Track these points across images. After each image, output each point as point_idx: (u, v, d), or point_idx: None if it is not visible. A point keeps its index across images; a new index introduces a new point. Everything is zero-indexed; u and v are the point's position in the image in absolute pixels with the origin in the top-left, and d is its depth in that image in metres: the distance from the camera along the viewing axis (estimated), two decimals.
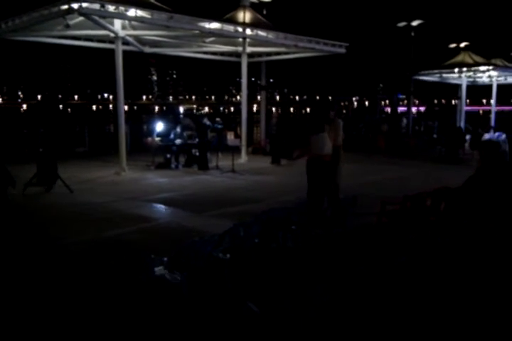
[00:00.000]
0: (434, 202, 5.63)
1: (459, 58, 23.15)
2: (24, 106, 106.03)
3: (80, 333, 3.94)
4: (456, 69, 22.43)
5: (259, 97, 22.37)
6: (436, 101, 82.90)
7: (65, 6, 10.69)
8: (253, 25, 15.08)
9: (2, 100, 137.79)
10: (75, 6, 10.47)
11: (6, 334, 3.92)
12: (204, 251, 4.40)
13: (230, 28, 14.01)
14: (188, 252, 4.34)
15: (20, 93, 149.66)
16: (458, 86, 25.39)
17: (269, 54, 18.48)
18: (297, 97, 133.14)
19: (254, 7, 16.64)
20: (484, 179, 5.07)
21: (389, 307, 3.46)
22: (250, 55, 17.13)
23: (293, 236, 5.22)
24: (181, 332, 3.85)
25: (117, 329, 3.97)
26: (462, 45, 23.90)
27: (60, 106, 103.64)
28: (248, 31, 14.45)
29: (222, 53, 18.28)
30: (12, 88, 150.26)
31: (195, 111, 79.74)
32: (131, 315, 4.20)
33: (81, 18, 11.70)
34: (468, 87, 25.09)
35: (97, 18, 11.38)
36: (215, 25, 13.45)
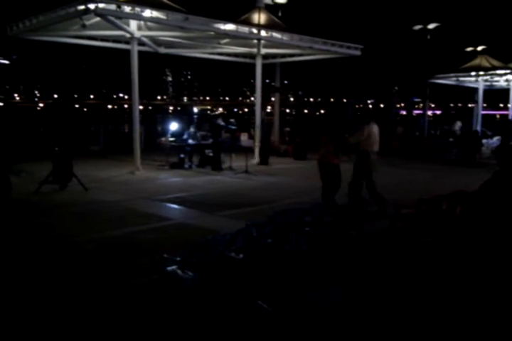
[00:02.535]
0: (449, 206, 5.55)
1: (476, 62, 22.90)
2: (40, 105, 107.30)
3: (91, 329, 3.96)
4: (473, 73, 22.19)
5: (273, 99, 22.34)
6: (452, 104, 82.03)
7: (82, 7, 10.79)
8: (268, 26, 15.08)
9: (19, 99, 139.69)
10: (92, 6, 10.57)
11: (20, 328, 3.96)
12: (216, 251, 4.39)
13: (245, 29, 14.02)
14: (201, 251, 4.34)
15: (36, 92, 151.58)
16: (475, 90, 25.12)
17: (283, 56, 18.46)
18: (312, 99, 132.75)
19: (269, 9, 16.63)
20: (501, 183, 5.00)
21: (401, 309, 3.42)
22: (265, 57, 17.13)
23: (306, 238, 5.19)
24: (193, 330, 3.84)
25: (128, 327, 3.98)
26: (479, 48, 23.63)
27: (76, 105, 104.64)
28: (263, 33, 14.46)
29: (236, 55, 18.31)
30: (28, 87, 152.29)
31: (209, 111, 79.98)
32: (142, 312, 4.21)
33: (97, 19, 11.81)
34: (485, 90, 24.81)
35: (113, 18, 11.47)
36: (230, 27, 13.47)
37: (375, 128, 8.50)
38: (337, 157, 8.42)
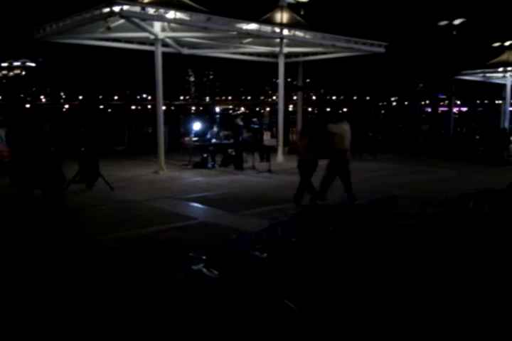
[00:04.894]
0: (477, 205, 5.45)
1: (504, 57, 22.37)
2: (66, 107, 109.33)
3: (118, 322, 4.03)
4: (501, 69, 21.71)
5: (295, 97, 22.29)
6: (478, 101, 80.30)
7: (107, 9, 10.96)
8: (290, 25, 15.03)
9: (45, 101, 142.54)
10: (117, 8, 10.73)
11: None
12: (241, 249, 4.41)
13: (268, 28, 14.01)
14: (226, 250, 4.36)
15: (62, 94, 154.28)
16: (502, 86, 24.57)
17: (306, 54, 18.35)
18: (334, 97, 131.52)
19: (291, 7, 16.58)
20: None
21: (426, 308, 3.38)
22: (287, 56, 17.08)
23: (330, 237, 5.17)
24: (219, 328, 3.87)
25: (153, 324, 4.03)
26: (507, 43, 23.06)
27: (101, 106, 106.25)
28: (285, 32, 14.41)
29: (258, 54, 18.30)
30: (54, 89, 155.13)
31: (230, 111, 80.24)
32: (168, 310, 4.26)
33: (122, 21, 11.97)
34: None
35: (137, 20, 11.62)
36: (252, 26, 13.48)
37: (346, 128, 9.13)
38: (313, 154, 8.83)
